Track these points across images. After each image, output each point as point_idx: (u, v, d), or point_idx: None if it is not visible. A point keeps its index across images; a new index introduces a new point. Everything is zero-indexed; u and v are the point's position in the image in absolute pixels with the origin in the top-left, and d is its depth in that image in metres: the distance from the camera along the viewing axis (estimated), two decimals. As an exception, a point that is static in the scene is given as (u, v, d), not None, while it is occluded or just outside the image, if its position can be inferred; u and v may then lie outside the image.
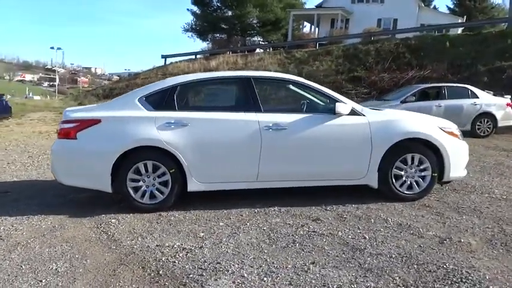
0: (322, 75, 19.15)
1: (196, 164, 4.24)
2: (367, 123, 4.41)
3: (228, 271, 2.86)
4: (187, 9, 32.69)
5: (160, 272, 2.88)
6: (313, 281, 2.69)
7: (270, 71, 21.06)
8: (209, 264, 2.99)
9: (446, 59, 17.61)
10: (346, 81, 18.50)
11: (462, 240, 3.36)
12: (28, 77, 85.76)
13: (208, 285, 2.68)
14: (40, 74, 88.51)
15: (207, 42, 33.15)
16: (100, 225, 3.90)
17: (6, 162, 7.25)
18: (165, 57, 29.18)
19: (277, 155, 4.34)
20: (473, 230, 3.63)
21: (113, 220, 4.01)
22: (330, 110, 4.40)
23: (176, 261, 3.05)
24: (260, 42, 34.23)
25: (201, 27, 32.85)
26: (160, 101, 4.37)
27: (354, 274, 2.79)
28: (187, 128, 4.23)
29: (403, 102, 10.35)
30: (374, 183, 4.47)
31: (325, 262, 2.99)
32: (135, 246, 3.36)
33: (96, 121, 4.24)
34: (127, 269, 2.97)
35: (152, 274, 2.87)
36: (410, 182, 4.54)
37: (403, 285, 2.63)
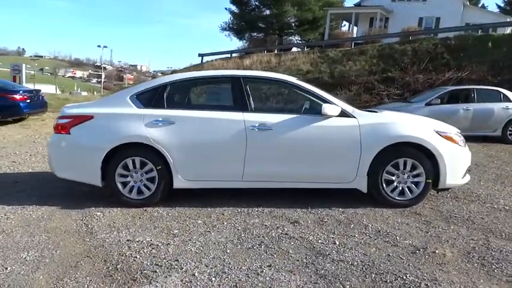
0: (354, 76, 18.72)
1: (181, 161, 4.30)
2: (356, 126, 4.28)
3: (181, 269, 2.88)
4: (226, 8, 33.16)
5: (118, 267, 2.95)
6: (259, 284, 2.66)
7: (302, 70, 20.93)
8: (167, 261, 3.02)
9: (487, 60, 16.67)
10: (379, 82, 17.96)
11: (437, 251, 3.19)
12: (79, 73, 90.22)
13: (157, 282, 2.71)
14: (89, 70, 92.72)
15: (244, 41, 33.35)
16: (84, 217, 4.04)
17: (29, 154, 7.67)
18: (201, 55, 29.63)
19: (262, 155, 4.30)
20: (456, 241, 3.43)
21: (98, 213, 4.14)
22: (319, 111, 4.30)
23: (138, 257, 3.11)
24: (298, 41, 33.97)
25: (238, 26, 33.09)
26: (150, 99, 4.46)
27: (305, 280, 2.73)
28: (174, 126, 4.29)
29: (427, 104, 9.92)
30: (363, 187, 4.34)
31: (282, 266, 2.94)
32: (107, 240, 3.46)
33: (88, 117, 4.40)
34: (90, 261, 3.06)
35: (110, 268, 2.94)
36: (402, 188, 4.35)
37: (352, 294, 2.54)
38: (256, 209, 4.25)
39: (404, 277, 2.76)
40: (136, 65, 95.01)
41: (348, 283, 2.67)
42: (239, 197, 4.55)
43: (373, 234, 3.56)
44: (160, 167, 4.31)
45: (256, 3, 32.53)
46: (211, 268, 2.89)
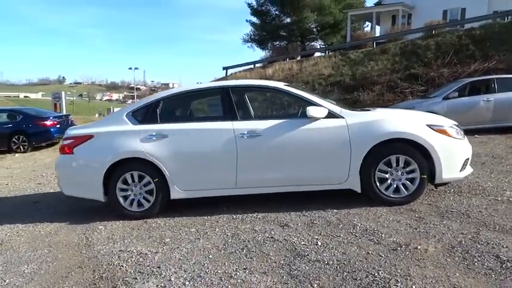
0: (376, 76, 18.44)
1: (177, 172, 4.45)
2: (345, 126, 4.28)
3: (160, 275, 3.01)
4: (246, 20, 33.51)
5: (104, 275, 3.11)
6: (229, 287, 2.73)
7: (324, 74, 20.85)
8: (150, 268, 3.16)
9: (515, 48, 15.97)
10: (402, 80, 17.58)
11: (419, 247, 3.14)
12: (115, 96, 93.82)
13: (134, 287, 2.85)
14: (124, 92, 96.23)
15: (267, 50, 33.57)
16: (87, 231, 4.27)
17: (54, 176, 8.09)
18: (226, 68, 30.12)
19: (253, 161, 4.39)
20: (443, 236, 3.36)
21: (100, 227, 4.36)
22: (306, 115, 4.34)
23: (124, 265, 3.26)
24: (321, 46, 33.81)
25: (260, 36, 33.38)
26: (144, 115, 4.66)
27: (275, 280, 2.77)
28: (167, 139, 4.46)
29: (445, 98, 9.64)
30: (357, 187, 4.31)
31: (257, 268, 3.00)
32: (101, 251, 3.65)
33: (89, 137, 4.66)
34: (80, 271, 3.25)
35: (96, 277, 3.11)
36: (397, 185, 4.29)
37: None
38: (251, 215, 4.32)
39: (376, 274, 2.74)
40: (168, 83, 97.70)
41: (317, 282, 2.70)
42: (237, 204, 4.63)
43: (359, 233, 3.54)
44: (157, 179, 4.48)
45: (276, 12, 32.75)
46: (189, 273, 3.00)
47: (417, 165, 4.22)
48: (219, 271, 2.98)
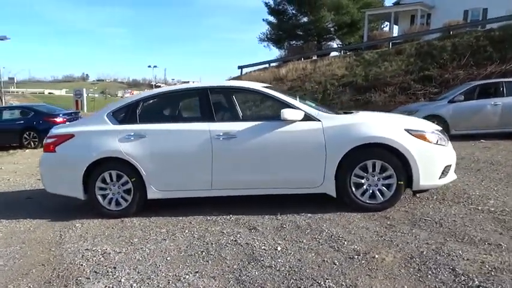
0: (389, 77, 18.12)
1: (153, 172, 4.48)
2: (320, 129, 4.21)
3: (113, 276, 3.03)
4: (263, 20, 33.44)
5: (61, 274, 3.16)
6: (173, 290, 2.73)
7: (337, 75, 20.64)
8: (106, 268, 3.18)
9: (534, 50, 15.42)
10: (415, 81, 17.22)
11: (377, 257, 3.06)
12: (136, 93, 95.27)
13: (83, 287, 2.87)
14: (145, 90, 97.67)
15: (283, 50, 33.43)
16: (64, 228, 4.34)
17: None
18: (241, 67, 30.18)
19: (228, 163, 4.37)
20: (407, 245, 3.26)
21: (77, 224, 4.43)
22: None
23: (84, 264, 3.30)
24: (338, 45, 33.46)
25: (276, 35, 33.27)
26: (124, 115, 4.71)
27: (221, 285, 2.76)
28: (144, 140, 4.49)
29: (450, 102, 9.38)
30: (332, 192, 4.25)
31: (208, 272, 2.98)
32: (69, 249, 3.70)
33: (70, 136, 4.73)
34: (41, 269, 3.30)
35: (54, 275, 3.15)
36: (373, 191, 4.20)
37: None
38: (225, 217, 4.31)
39: (322, 283, 2.69)
40: (188, 81, 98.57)
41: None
42: (217, 205, 4.61)
43: (323, 240, 3.48)
44: (134, 179, 4.52)
45: (293, 11, 32.60)
46: (141, 275, 3.01)
47: (394, 171, 4.12)
48: (170, 274, 2.98)
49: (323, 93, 19.31)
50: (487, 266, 2.81)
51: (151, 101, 4.84)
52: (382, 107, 15.60)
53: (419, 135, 4.15)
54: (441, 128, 4.65)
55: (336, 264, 2.97)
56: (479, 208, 4.13)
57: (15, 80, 77.02)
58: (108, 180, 4.59)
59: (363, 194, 4.21)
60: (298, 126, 4.24)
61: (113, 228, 4.26)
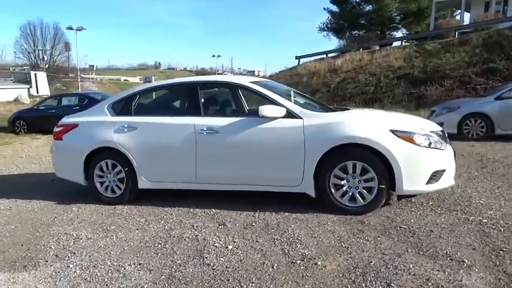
0: (449, 69, 16.89)
1: (143, 163, 4.66)
2: (300, 127, 4.09)
3: (67, 260, 3.23)
4: (324, 8, 32.62)
5: (28, 255, 3.42)
6: (106, 278, 2.85)
7: (393, 66, 19.65)
8: (67, 253, 3.40)
9: None
10: (478, 75, 15.87)
11: (319, 263, 2.95)
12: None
13: (36, 270, 3.10)
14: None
15: (344, 40, 32.40)
16: (62, 211, 4.67)
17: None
18: (298, 57, 29.85)
19: (210, 157, 4.42)
20: (360, 253, 3.10)
21: (74, 208, 4.75)
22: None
23: (52, 247, 3.55)
24: (404, 35, 31.71)
25: (337, 25, 32.34)
26: (121, 107, 4.93)
27: (153, 278, 2.83)
28: (136, 131, 4.68)
29: (498, 98, 8.55)
30: (311, 192, 4.13)
31: (150, 265, 3.07)
32: (51, 232, 3.99)
33: (74, 125, 5.07)
34: (17, 249, 3.60)
35: (22, 255, 3.42)
36: (353, 193, 4.01)
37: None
38: (206, 211, 4.37)
39: (245, 286, 2.65)
40: (254, 71, 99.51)
41: (185, 286, 2.69)
42: (206, 199, 4.66)
43: (280, 241, 3.41)
44: (127, 168, 4.74)
45: (357, 0, 31.41)
46: (89, 262, 3.17)
47: (375, 174, 3.90)
48: (114, 264, 3.12)
49: (375, 86, 18.51)
50: (429, 284, 2.59)
51: (145, 94, 5.02)
52: (436, 102, 14.62)
53: (406, 137, 3.87)
54: (441, 130, 4.30)
55: (273, 268, 2.91)
56: (471, 219, 3.77)
57: (95, 67, 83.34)
58: (104, 168, 4.86)
59: (342, 195, 4.04)
60: (279, 123, 4.16)
61: (102, 214, 4.51)
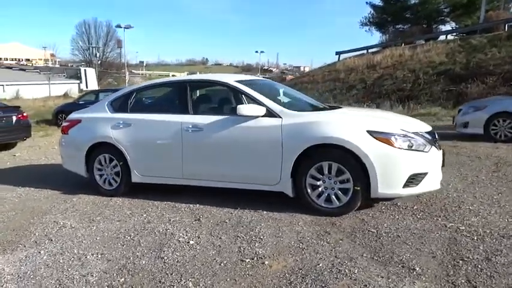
0: (493, 65, 15.92)
1: (135, 158, 4.88)
2: (279, 126, 4.10)
3: (41, 247, 3.47)
4: (366, 2, 31.70)
5: (12, 240, 3.71)
6: (65, 265, 3.05)
7: (434, 62, 18.81)
8: (45, 239, 3.65)
9: None
10: (525, 71, 14.84)
11: (266, 263, 2.98)
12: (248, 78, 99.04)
13: (7, 254, 3.36)
14: (258, 74, 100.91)
15: (387, 34, 31.34)
16: (62, 201, 4.98)
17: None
18: (338, 53, 29.37)
19: (195, 155, 4.53)
20: (311, 256, 3.08)
21: (74, 199, 5.05)
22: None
23: (36, 234, 3.82)
24: (453, 28, 30.15)
25: (380, 19, 31.34)
26: (119, 104, 5.17)
27: (105, 268, 2.99)
28: (130, 128, 4.90)
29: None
30: (288, 191, 4.13)
31: (110, 255, 3.23)
32: (43, 220, 4.28)
33: (78, 121, 5.39)
34: (7, 234, 3.90)
35: (8, 240, 3.71)
36: (329, 194, 3.97)
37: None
38: (190, 206, 4.49)
39: (184, 281, 2.74)
40: (299, 66, 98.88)
41: (131, 277, 2.83)
42: (199, 194, 4.76)
43: (242, 239, 3.46)
44: (122, 163, 4.97)
45: (402, -8, 30.29)
46: (59, 249, 3.40)
47: (350, 175, 3.83)
48: (80, 252, 3.32)
49: (413, 83, 17.82)
50: (365, 290, 2.54)
51: (141, 92, 5.21)
52: (477, 99, 13.86)
53: (382, 138, 3.77)
54: (428, 131, 4.14)
55: (220, 265, 2.97)
56: (449, 225, 3.62)
57: (144, 63, 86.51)
58: (103, 162, 5.13)
59: (319, 196, 4.01)
60: (259, 122, 4.19)
61: (96, 205, 4.76)
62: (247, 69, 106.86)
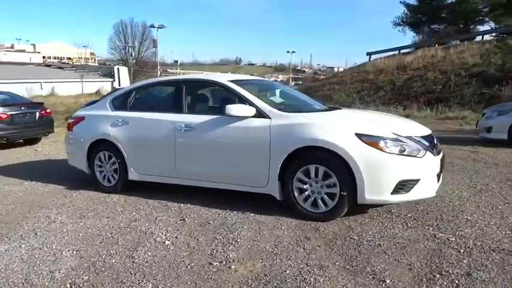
0: (530, 67, 15.04)
1: (132, 156, 4.92)
2: (267, 127, 4.02)
3: (23, 240, 3.55)
4: (400, 2, 30.77)
5: (1, 233, 3.82)
6: (38, 261, 3.10)
7: (468, 64, 18.03)
8: (30, 233, 3.74)
9: None
10: None
11: (233, 267, 2.91)
12: (281, 77, 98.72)
13: (-4, 246, 3.47)
14: (290, 74, 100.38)
15: (421, 35, 30.33)
16: (61, 196, 5.10)
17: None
18: (369, 54, 28.75)
19: (187, 154, 4.52)
20: (283, 261, 2.98)
21: (74, 194, 5.16)
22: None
23: (24, 228, 3.92)
24: (493, 28, 28.79)
25: (415, 18, 30.35)
26: (120, 102, 5.24)
27: (74, 264, 3.01)
28: (128, 126, 4.95)
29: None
30: (276, 194, 4.04)
31: (85, 252, 3.26)
32: (37, 214, 4.38)
33: (82, 118, 5.50)
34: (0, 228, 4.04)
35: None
36: (315, 199, 3.85)
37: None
38: (181, 205, 4.48)
39: (146, 281, 2.71)
40: (333, 67, 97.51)
41: (86, 276, 2.83)
42: (195, 194, 4.72)
43: (219, 241, 3.41)
44: (120, 160, 5.04)
45: (438, -9, 29.24)
46: (39, 244, 3.45)
47: (337, 179, 3.69)
48: (58, 248, 3.36)
49: (443, 85, 17.14)
50: (325, 301, 2.42)
51: (140, 91, 5.26)
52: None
53: (371, 142, 3.61)
54: (425, 135, 3.93)
55: (186, 268, 2.93)
56: (439, 236, 3.42)
57: (178, 62, 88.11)
58: (103, 159, 5.21)
59: (305, 200, 3.90)
60: (249, 122, 4.12)
61: (93, 201, 4.84)
62: (280, 69, 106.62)
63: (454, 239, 3.33)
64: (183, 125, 4.47)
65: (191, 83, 4.86)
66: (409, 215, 3.95)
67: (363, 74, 23.73)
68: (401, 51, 26.09)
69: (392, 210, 4.07)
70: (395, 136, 3.67)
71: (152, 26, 37.60)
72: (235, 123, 4.16)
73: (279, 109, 4.17)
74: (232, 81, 4.53)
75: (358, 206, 3.77)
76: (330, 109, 4.82)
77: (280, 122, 3.99)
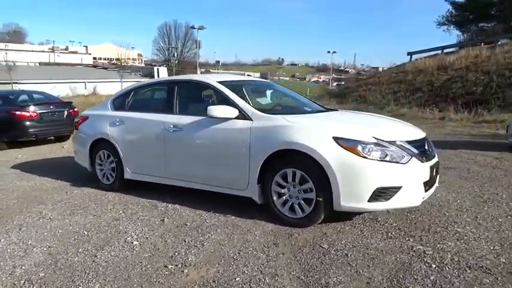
0: None
1: (127, 155, 5.02)
2: (247, 129, 3.94)
3: (6, 235, 3.70)
4: (445, 0, 29.32)
5: (-4, 225, 4.02)
6: (7, 255, 3.21)
7: (511, 64, 16.85)
8: (15, 228, 3.88)
9: None
10: None
11: (186, 271, 2.86)
12: (323, 77, 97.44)
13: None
14: (333, 75, 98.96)
15: (467, 33, 28.75)
16: (65, 192, 5.28)
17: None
18: (410, 54, 27.67)
19: (175, 154, 4.54)
20: (240, 268, 2.90)
21: (75, 191, 5.34)
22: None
23: (15, 222, 4.08)
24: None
25: (461, 17, 28.83)
26: (119, 103, 5.36)
27: (40, 260, 3.09)
28: (124, 126, 5.06)
29: None
30: (255, 197, 3.96)
31: (57, 249, 3.34)
32: (32, 209, 4.55)
33: (86, 118, 5.68)
34: (-4, 220, 4.24)
35: (-10, 225, 4.04)
36: (293, 204, 3.73)
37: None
38: (168, 206, 4.49)
39: (95, 280, 2.73)
40: (378, 67, 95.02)
41: (43, 273, 2.89)
42: (189, 194, 4.73)
43: (185, 243, 3.38)
44: (117, 159, 5.15)
45: (487, -13, 27.60)
46: (18, 239, 3.58)
47: (313, 184, 3.56)
48: (32, 243, 3.47)
49: (484, 86, 16.14)
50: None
51: (138, 91, 5.34)
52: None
53: (348, 146, 3.44)
54: (412, 140, 3.69)
55: (140, 270, 2.92)
56: (416, 248, 3.20)
57: (220, 63, 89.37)
58: (102, 157, 5.35)
59: (283, 204, 3.79)
60: (231, 124, 4.07)
61: (89, 198, 4.98)
62: (322, 69, 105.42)
63: (431, 253, 3.09)
64: (171, 126, 4.49)
65: (182, 84, 4.87)
66: (394, 224, 3.73)
67: (401, 75, 22.86)
68: (445, 50, 24.87)
69: (379, 219, 3.87)
70: (375, 140, 3.47)
71: (193, 27, 38.37)
72: (218, 124, 4.12)
73: (262, 110, 4.07)
74: (220, 82, 4.48)
75: (343, 213, 3.61)
76: (325, 111, 4.66)
77: (261, 123, 3.90)
